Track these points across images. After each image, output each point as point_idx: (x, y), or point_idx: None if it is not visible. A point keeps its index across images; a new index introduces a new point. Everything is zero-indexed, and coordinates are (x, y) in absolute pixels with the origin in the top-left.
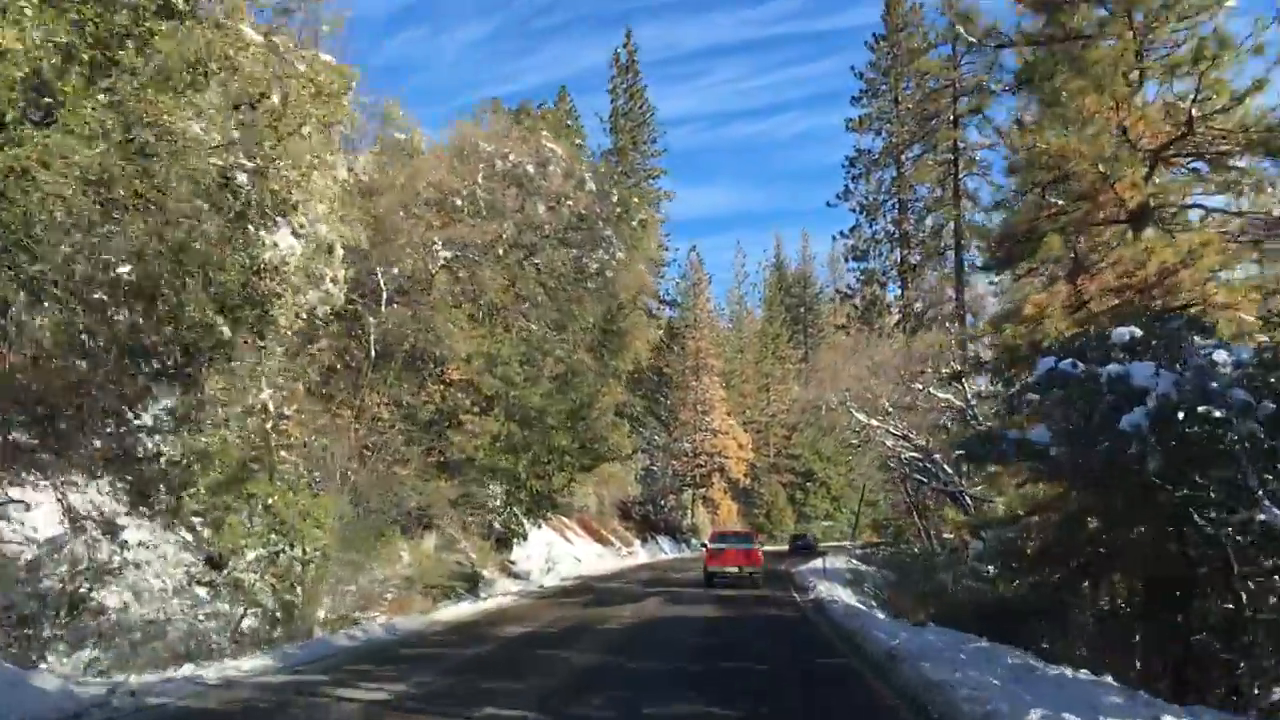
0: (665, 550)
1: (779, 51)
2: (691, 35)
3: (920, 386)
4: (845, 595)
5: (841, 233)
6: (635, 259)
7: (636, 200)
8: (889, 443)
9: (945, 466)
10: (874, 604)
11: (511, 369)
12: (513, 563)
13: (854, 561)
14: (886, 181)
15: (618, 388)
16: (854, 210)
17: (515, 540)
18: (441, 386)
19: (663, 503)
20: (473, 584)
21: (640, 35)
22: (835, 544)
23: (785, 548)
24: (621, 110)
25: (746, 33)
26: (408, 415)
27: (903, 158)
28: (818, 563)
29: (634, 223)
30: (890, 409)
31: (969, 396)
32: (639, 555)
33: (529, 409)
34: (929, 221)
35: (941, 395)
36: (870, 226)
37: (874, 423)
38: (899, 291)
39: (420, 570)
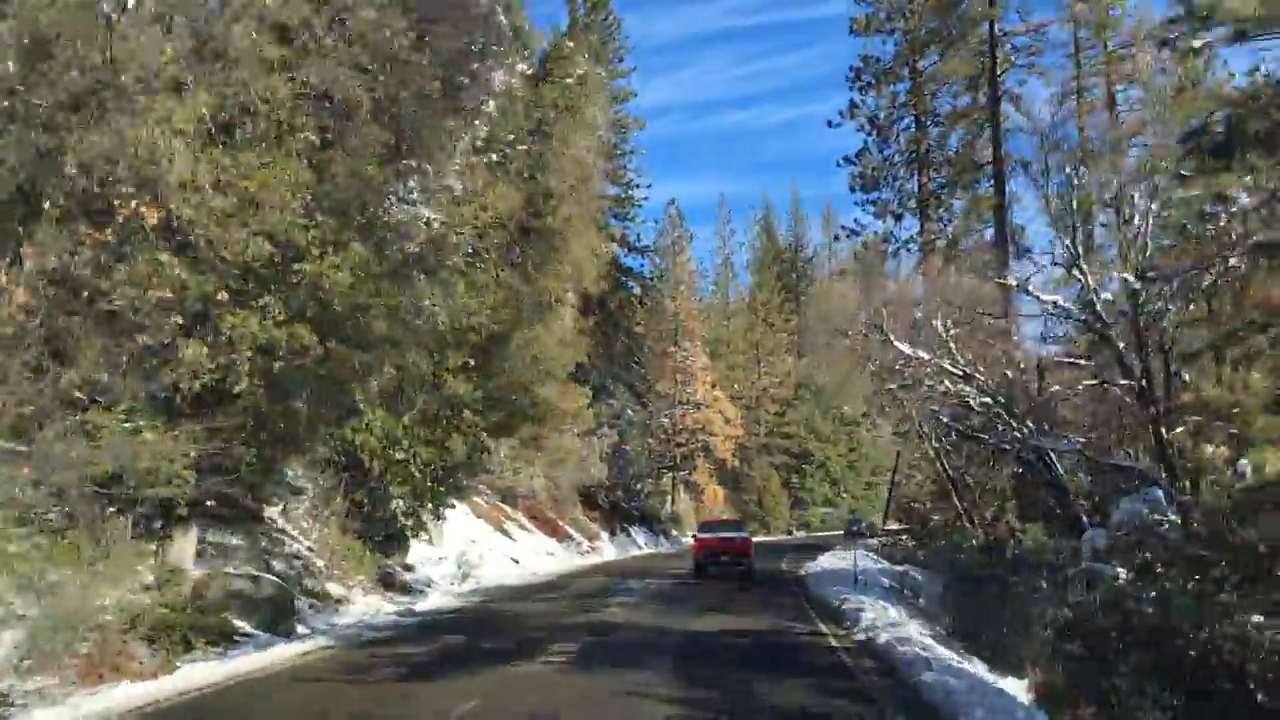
0: (639, 544)
1: (760, 41)
2: (671, 26)
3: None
4: (914, 629)
5: (846, 159)
6: (572, 132)
7: (572, 44)
8: (945, 385)
9: (1026, 422)
10: (966, 654)
11: (285, 218)
12: (409, 568)
13: (882, 560)
14: (901, 95)
15: (561, 325)
16: (861, 129)
17: (416, 535)
18: (147, 238)
19: (637, 488)
20: (281, 613)
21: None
22: (838, 533)
23: (781, 538)
24: (581, 21)
25: (728, 22)
26: (74, 289)
27: (919, 64)
28: (840, 561)
29: (570, 79)
30: (949, 333)
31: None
32: (604, 551)
33: (338, 301)
34: (954, 140)
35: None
36: (881, 150)
37: (921, 355)
38: (918, 226)
39: (165, 598)
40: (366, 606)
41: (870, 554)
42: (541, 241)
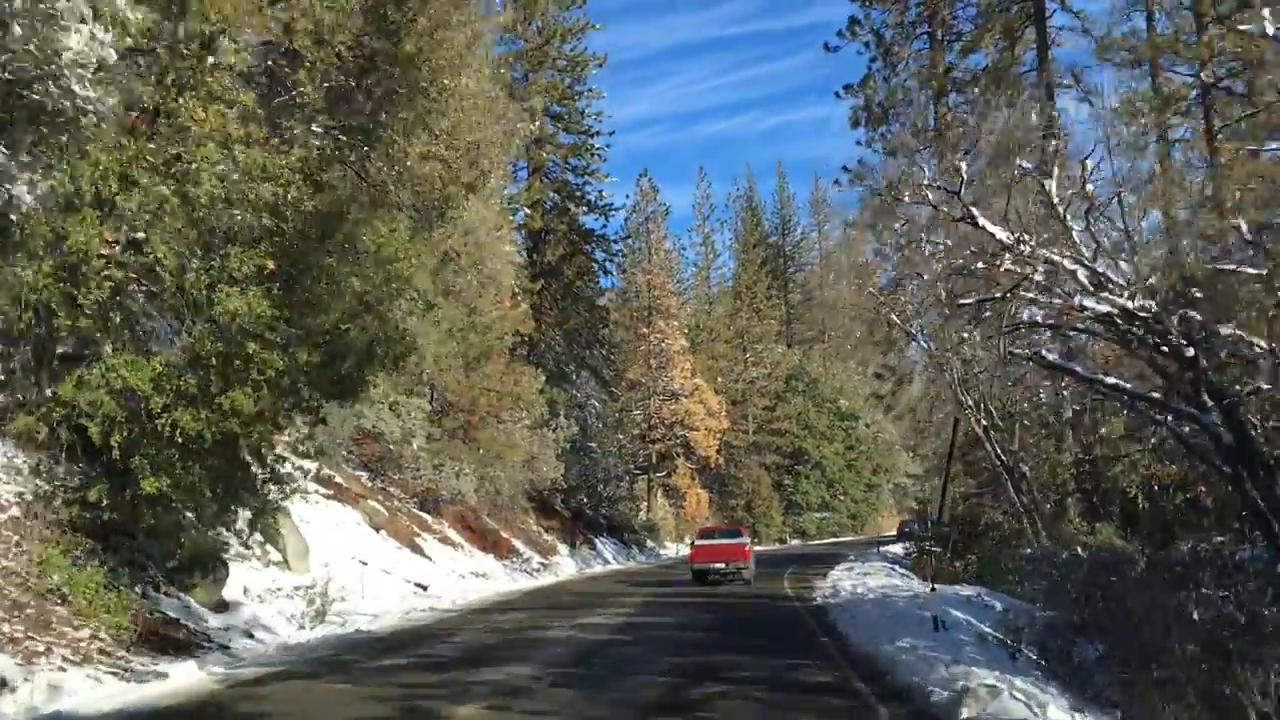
0: (606, 557)
1: (743, 50)
2: (652, 38)
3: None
4: None
5: (847, 87)
6: None
7: None
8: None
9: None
10: None
11: None
12: (223, 606)
13: (911, 575)
14: (912, 9)
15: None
16: (864, 51)
17: (246, 553)
18: None
19: (605, 492)
20: None
21: (599, 40)
22: (852, 540)
23: (774, 548)
24: None
25: (707, 32)
26: None
27: None
28: (864, 579)
29: None
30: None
31: None
32: (561, 568)
33: None
34: (979, 60)
35: None
36: (889, 77)
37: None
38: (934, 162)
39: None
40: (50, 691)
41: (895, 567)
42: (398, 76)
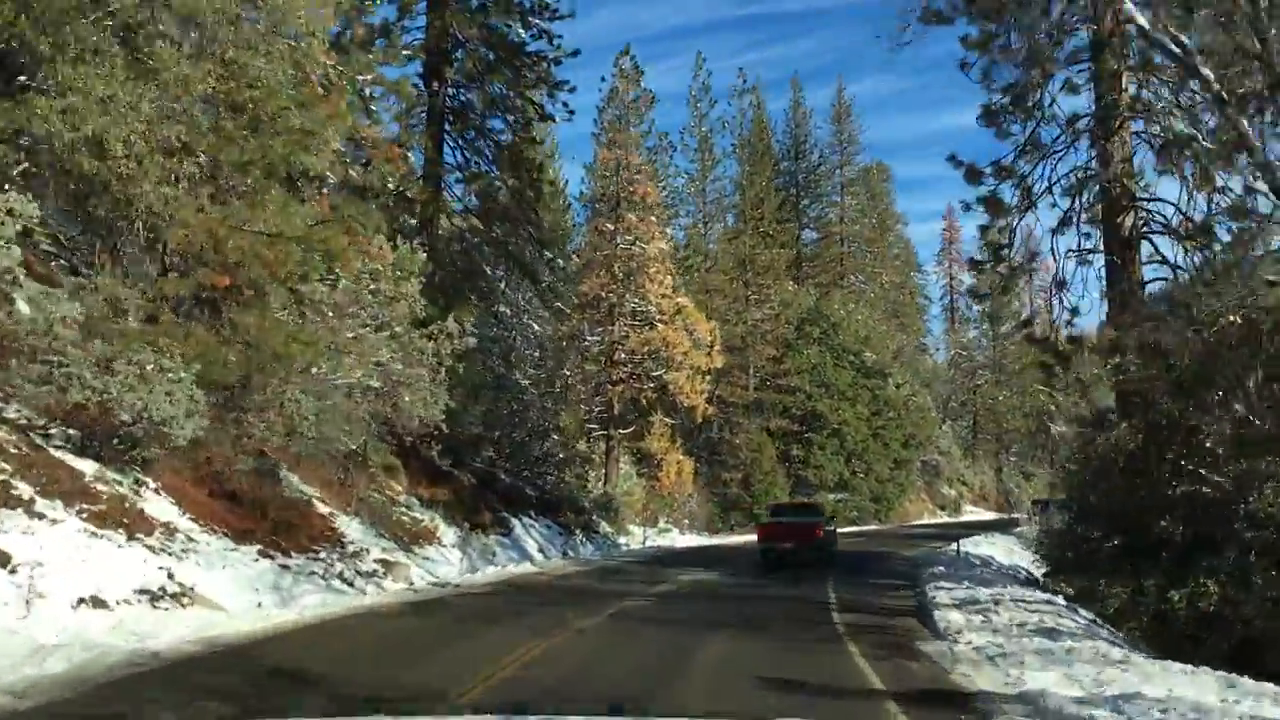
0: (528, 550)
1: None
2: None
3: None
4: None
5: None
6: None
7: None
8: None
9: None
10: None
11: None
12: None
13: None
14: None
15: None
16: None
17: None
18: None
19: (536, 450)
20: None
21: (599, 19)
22: (877, 530)
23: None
24: None
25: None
26: None
27: None
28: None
29: None
30: None
31: None
32: (440, 568)
33: None
34: None
35: None
36: None
37: None
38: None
39: None
40: None
41: (1032, 590)
42: None
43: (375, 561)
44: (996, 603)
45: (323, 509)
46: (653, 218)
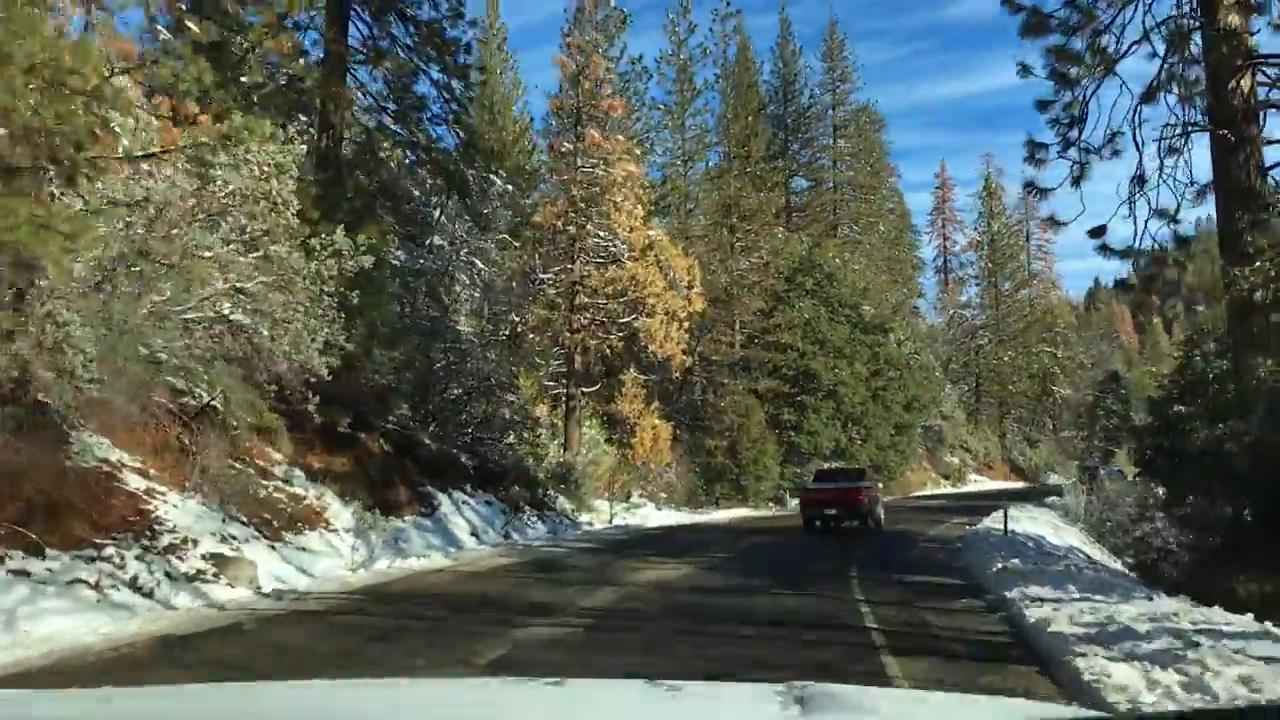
0: (457, 535)
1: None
2: None
3: None
4: None
5: None
6: None
7: None
8: None
9: None
10: None
11: None
12: None
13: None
14: None
15: None
16: None
17: None
18: None
19: (474, 410)
20: None
21: None
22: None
23: (773, 511)
24: None
25: None
26: None
27: None
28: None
29: None
30: None
31: None
32: (308, 568)
33: None
34: None
35: None
36: None
37: None
38: None
39: None
40: None
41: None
42: None
43: (204, 557)
44: (1179, 636)
45: (137, 484)
46: (620, 136)
